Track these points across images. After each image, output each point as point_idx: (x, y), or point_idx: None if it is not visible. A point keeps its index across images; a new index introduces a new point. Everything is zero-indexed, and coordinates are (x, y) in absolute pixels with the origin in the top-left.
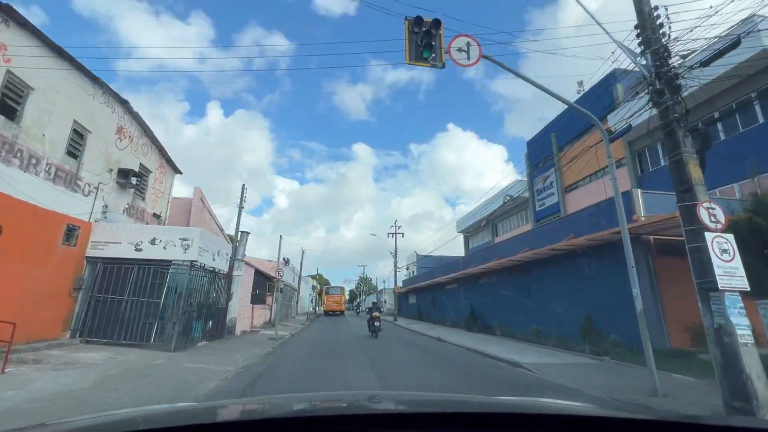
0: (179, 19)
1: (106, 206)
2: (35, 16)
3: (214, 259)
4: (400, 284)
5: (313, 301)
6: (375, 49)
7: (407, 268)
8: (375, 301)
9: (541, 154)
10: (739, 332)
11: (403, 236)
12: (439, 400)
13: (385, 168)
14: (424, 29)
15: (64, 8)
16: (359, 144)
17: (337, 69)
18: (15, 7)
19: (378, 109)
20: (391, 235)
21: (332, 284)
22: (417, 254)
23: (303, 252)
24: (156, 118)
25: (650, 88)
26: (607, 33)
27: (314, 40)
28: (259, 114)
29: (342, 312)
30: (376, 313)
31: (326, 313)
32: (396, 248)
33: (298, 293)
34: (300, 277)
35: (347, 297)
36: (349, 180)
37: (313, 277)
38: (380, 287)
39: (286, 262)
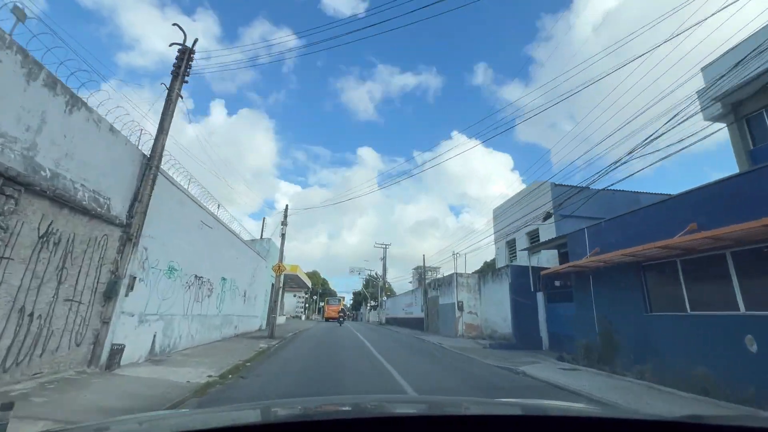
0: (185, 15)
1: None
2: (36, 4)
3: None
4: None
5: (274, 302)
6: (383, 51)
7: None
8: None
9: None
10: None
11: None
12: (444, 402)
13: (389, 175)
14: None
15: None
16: (365, 148)
17: (345, 67)
18: None
19: (385, 111)
20: None
21: (331, 283)
22: (552, 185)
23: None
24: (158, 113)
25: None
26: None
27: (322, 38)
28: (264, 114)
29: (342, 320)
30: (341, 313)
31: (326, 319)
32: None
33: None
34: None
35: (345, 306)
36: (353, 184)
37: (309, 275)
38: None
39: None
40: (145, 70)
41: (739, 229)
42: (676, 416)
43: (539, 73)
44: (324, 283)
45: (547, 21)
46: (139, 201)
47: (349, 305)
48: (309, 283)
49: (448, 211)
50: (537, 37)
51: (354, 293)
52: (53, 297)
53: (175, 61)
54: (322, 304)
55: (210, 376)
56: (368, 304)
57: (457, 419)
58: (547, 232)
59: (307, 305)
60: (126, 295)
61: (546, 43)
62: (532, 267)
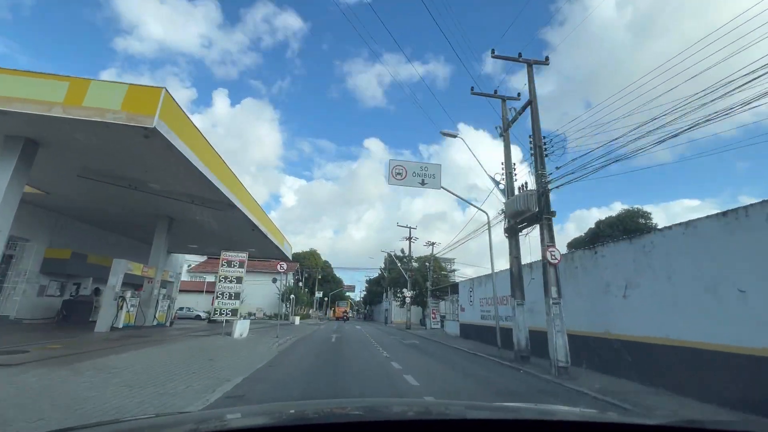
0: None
1: None
2: None
3: None
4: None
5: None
6: (388, 37)
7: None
8: (348, 309)
9: None
10: None
11: None
12: (452, 405)
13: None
14: None
15: None
16: (371, 139)
17: (352, 49)
18: None
19: (391, 101)
20: None
21: (339, 276)
22: None
23: None
24: None
25: None
26: None
27: (327, 22)
28: (269, 104)
29: (347, 319)
30: (345, 314)
31: (336, 318)
32: None
33: None
34: None
35: (353, 302)
36: (360, 177)
37: (305, 254)
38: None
39: None
40: (142, 57)
41: None
42: (674, 419)
43: (553, 58)
44: (326, 266)
45: (561, 2)
46: None
47: (360, 298)
48: (284, 249)
49: (455, 205)
50: (551, 21)
51: (368, 283)
52: None
53: None
54: (319, 295)
55: None
56: (398, 295)
57: (461, 423)
58: None
59: (291, 296)
60: None
61: (560, 27)
62: None
